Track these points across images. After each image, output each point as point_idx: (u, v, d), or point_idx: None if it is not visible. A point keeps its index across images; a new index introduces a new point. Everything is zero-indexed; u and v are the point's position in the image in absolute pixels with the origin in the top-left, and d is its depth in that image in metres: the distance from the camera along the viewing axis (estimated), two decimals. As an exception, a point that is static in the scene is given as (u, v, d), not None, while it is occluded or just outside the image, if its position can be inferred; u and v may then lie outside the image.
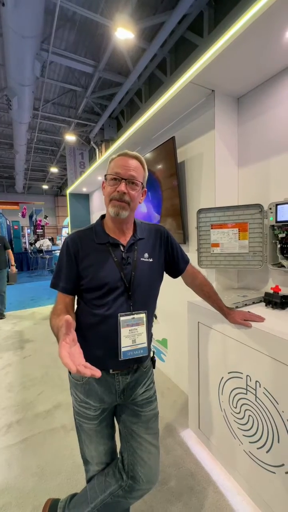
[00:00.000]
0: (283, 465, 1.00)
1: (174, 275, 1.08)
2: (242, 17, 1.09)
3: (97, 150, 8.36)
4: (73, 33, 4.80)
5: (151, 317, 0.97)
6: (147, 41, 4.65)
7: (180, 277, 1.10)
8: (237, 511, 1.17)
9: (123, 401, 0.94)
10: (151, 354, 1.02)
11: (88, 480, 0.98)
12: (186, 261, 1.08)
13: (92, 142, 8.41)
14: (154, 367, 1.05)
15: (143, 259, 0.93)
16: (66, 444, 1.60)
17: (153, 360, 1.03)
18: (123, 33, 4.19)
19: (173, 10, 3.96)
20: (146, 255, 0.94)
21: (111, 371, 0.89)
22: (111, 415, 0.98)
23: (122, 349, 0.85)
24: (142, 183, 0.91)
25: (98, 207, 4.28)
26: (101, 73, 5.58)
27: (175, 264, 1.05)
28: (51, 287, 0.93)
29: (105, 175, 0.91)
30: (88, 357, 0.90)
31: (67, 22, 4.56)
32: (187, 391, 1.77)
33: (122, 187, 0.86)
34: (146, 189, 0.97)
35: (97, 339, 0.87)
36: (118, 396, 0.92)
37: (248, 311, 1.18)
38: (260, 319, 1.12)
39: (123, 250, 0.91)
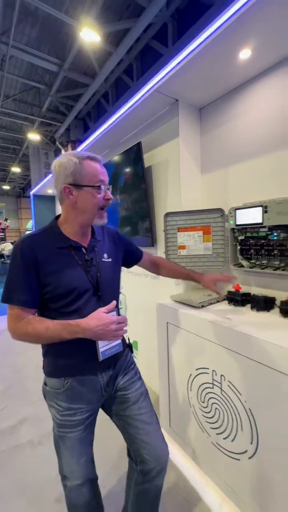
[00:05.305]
0: (246, 451, 1.08)
1: (134, 262, 1.17)
2: (201, 35, 1.16)
3: (63, 151, 8.10)
4: (35, 29, 4.62)
5: (118, 311, 1.00)
6: (114, 46, 4.67)
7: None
8: (206, 502, 1.23)
9: (109, 393, 0.95)
10: (126, 342, 1.05)
11: (67, 496, 0.94)
12: (140, 250, 1.18)
13: (57, 142, 8.13)
14: (132, 352, 1.09)
15: (104, 259, 0.96)
16: (33, 460, 1.52)
17: (129, 346, 1.07)
18: (89, 35, 4.16)
19: (138, 18, 4.04)
20: (105, 255, 0.98)
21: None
22: (95, 420, 0.97)
23: (100, 350, 0.86)
24: None
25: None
26: (66, 73, 5.45)
27: (133, 254, 1.15)
28: (3, 301, 0.80)
29: (84, 185, 0.83)
30: (67, 367, 0.87)
31: (29, 17, 4.37)
32: (158, 391, 1.80)
33: (111, 194, 0.89)
34: None
35: (73, 348, 0.84)
36: (104, 391, 0.92)
37: (221, 273, 1.25)
38: (230, 279, 1.20)
39: (85, 252, 0.91)
